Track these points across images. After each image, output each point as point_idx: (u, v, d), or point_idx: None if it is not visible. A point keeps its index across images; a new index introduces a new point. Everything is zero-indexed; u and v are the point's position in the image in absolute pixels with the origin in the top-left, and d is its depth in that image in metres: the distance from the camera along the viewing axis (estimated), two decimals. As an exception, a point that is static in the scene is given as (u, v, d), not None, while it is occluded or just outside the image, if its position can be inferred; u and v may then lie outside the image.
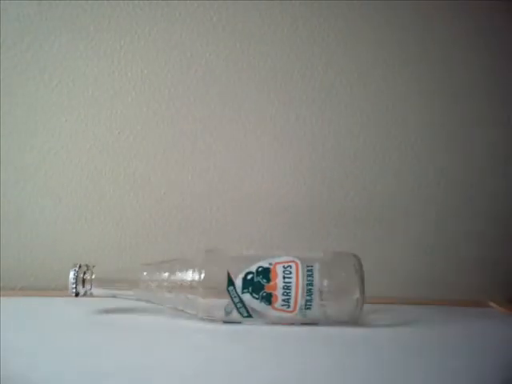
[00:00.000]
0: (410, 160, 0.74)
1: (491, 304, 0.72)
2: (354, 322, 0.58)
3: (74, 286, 0.57)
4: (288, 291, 0.56)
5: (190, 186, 0.73)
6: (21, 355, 0.46)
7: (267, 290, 0.56)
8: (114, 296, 0.58)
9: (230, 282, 0.56)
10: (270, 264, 0.57)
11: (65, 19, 0.70)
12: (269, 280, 0.56)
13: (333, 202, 0.74)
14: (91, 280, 0.58)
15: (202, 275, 0.57)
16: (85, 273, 0.58)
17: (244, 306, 0.56)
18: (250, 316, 0.57)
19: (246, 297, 0.56)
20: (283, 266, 0.56)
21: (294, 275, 0.56)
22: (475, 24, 0.73)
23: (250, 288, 0.56)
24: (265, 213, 0.73)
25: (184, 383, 0.43)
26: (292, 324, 0.57)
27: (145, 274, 0.58)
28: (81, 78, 0.71)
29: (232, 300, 0.56)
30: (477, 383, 0.45)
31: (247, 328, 0.57)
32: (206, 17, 0.71)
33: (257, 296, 0.56)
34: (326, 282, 0.56)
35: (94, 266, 0.58)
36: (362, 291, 0.57)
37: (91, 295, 0.58)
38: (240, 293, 0.56)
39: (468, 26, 0.73)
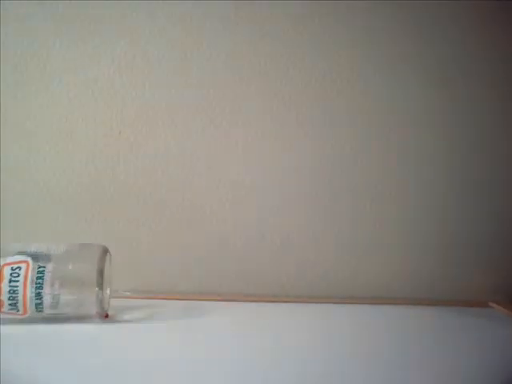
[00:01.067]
0: (410, 160, 0.74)
1: (491, 304, 0.72)
2: (100, 315, 0.55)
3: None
4: (15, 295, 0.52)
5: (190, 185, 0.73)
6: None
7: None
8: None
9: None
10: None
11: (65, 19, 0.70)
12: None
13: (333, 203, 0.74)
14: None
15: None
16: None
17: None
18: None
19: None
20: (11, 268, 0.52)
21: (21, 278, 0.52)
22: (475, 24, 0.73)
23: None
24: (265, 213, 0.73)
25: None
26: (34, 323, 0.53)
27: None
28: (81, 78, 0.71)
29: None
30: (477, 383, 0.45)
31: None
32: (206, 17, 0.71)
33: None
34: (57, 283, 0.52)
35: None
36: (101, 284, 0.54)
37: None
38: None
39: (468, 25, 0.73)
